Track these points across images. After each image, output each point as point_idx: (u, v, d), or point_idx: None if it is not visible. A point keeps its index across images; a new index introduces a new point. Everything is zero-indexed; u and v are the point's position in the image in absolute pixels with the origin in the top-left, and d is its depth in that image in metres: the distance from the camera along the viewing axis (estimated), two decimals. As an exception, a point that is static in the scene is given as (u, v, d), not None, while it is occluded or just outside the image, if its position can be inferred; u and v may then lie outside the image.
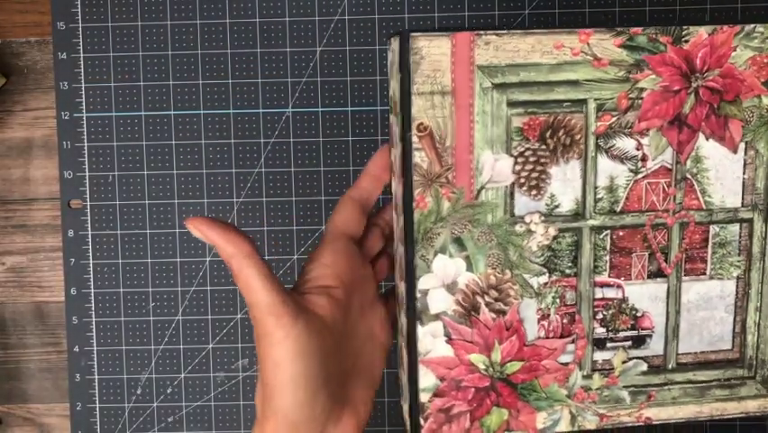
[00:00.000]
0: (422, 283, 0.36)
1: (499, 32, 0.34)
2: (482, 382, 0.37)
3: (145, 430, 0.56)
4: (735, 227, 0.37)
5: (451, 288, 0.36)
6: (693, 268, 0.38)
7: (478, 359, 0.37)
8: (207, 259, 0.55)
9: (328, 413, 0.35)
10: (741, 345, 0.38)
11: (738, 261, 0.38)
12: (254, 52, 0.55)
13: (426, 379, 0.37)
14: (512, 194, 0.36)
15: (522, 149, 0.35)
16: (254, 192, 0.55)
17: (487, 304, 0.36)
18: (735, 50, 0.36)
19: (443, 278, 0.36)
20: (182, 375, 0.56)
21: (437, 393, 0.37)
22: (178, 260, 0.55)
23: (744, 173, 0.37)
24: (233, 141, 0.55)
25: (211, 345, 0.55)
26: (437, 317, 0.36)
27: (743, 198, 0.37)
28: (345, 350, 0.37)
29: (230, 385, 0.56)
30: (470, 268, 0.36)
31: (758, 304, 0.38)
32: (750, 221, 0.37)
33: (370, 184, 0.39)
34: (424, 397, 0.37)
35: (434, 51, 0.34)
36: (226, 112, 0.55)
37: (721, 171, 0.37)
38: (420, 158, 0.35)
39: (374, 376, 0.39)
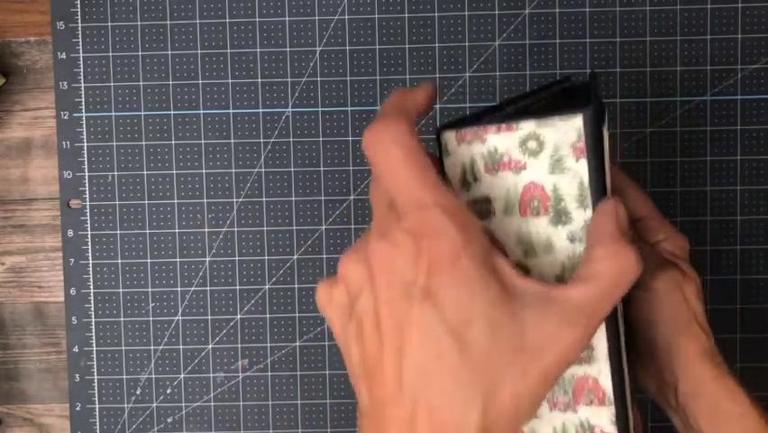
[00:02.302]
0: None
1: None
2: None
3: (145, 431, 0.56)
4: None
5: None
6: None
7: None
8: (207, 259, 0.55)
9: None
10: None
11: None
12: (254, 52, 0.54)
13: None
14: None
15: None
16: (254, 192, 0.55)
17: None
18: None
19: None
20: (182, 376, 0.55)
21: None
22: (178, 260, 0.55)
23: None
24: (232, 141, 0.55)
25: (211, 346, 0.55)
26: None
27: None
28: None
29: (230, 385, 0.55)
30: None
31: None
32: None
33: None
34: None
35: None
36: (226, 112, 0.55)
37: None
38: None
39: None
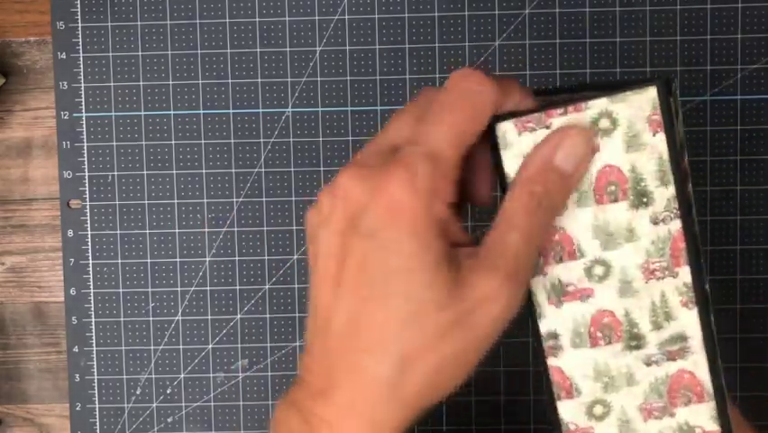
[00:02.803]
0: None
1: None
2: None
3: (145, 431, 0.56)
4: None
5: None
6: None
7: None
8: (207, 259, 0.55)
9: None
10: None
11: None
12: (254, 52, 0.54)
13: None
14: None
15: None
16: (254, 192, 0.55)
17: None
18: None
19: None
20: (182, 376, 0.56)
21: None
22: (178, 260, 0.55)
23: None
24: (232, 141, 0.55)
25: (211, 346, 0.55)
26: None
27: None
28: None
29: (230, 386, 0.55)
30: None
31: None
32: None
33: None
34: None
35: None
36: (226, 112, 0.55)
37: None
38: None
39: None
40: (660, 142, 0.31)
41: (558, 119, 0.32)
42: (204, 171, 0.55)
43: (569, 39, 0.54)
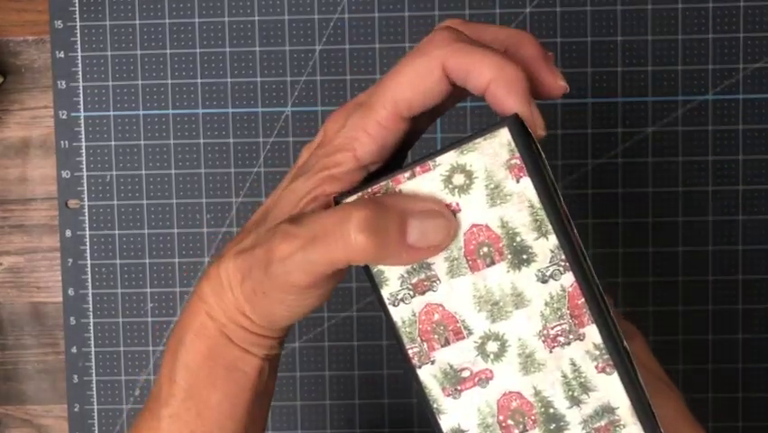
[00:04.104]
0: None
1: None
2: None
3: (143, 432, 0.55)
4: None
5: None
6: None
7: None
8: (206, 259, 0.55)
9: None
10: None
11: None
12: (253, 51, 0.54)
13: None
14: None
15: None
16: (253, 192, 0.55)
17: None
18: None
19: None
20: (181, 376, 0.55)
21: None
22: (177, 260, 0.55)
23: None
24: (231, 140, 0.55)
25: (210, 346, 0.55)
26: None
27: None
28: None
29: (229, 386, 0.55)
30: None
31: None
32: None
33: None
34: None
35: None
36: (225, 111, 0.55)
37: None
38: None
39: None
40: (527, 189, 0.28)
41: (406, 184, 0.29)
42: (203, 171, 0.55)
43: (570, 38, 0.53)
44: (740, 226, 0.53)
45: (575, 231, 0.28)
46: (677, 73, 0.53)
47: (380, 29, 0.54)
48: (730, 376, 0.53)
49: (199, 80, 0.54)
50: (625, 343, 0.28)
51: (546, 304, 0.28)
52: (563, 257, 0.28)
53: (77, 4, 0.54)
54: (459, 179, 0.28)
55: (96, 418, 0.55)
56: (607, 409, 0.28)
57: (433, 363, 0.29)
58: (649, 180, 0.54)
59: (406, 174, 0.29)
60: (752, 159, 0.53)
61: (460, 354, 0.29)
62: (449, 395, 0.29)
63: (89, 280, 0.55)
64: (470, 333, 0.29)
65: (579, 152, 0.54)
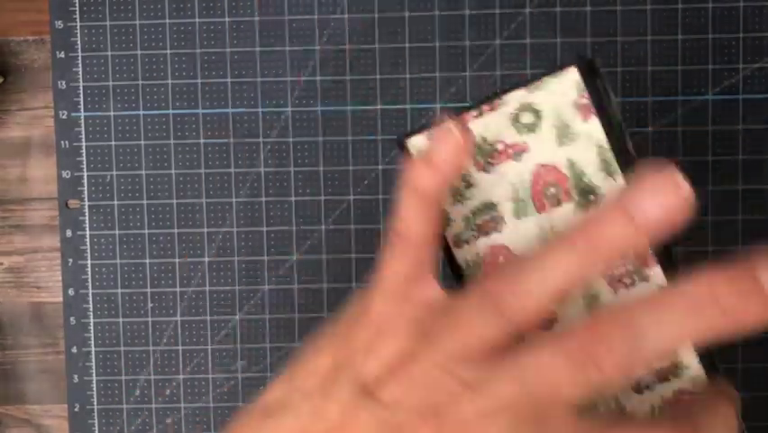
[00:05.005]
0: None
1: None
2: None
3: (144, 432, 0.55)
4: None
5: None
6: None
7: None
8: (206, 259, 0.55)
9: None
10: None
11: None
12: (253, 51, 0.54)
13: None
14: None
15: None
16: (253, 192, 0.55)
17: None
18: None
19: None
20: (181, 376, 0.55)
21: None
22: (177, 260, 0.55)
23: None
24: (231, 140, 0.55)
25: (210, 347, 0.55)
26: None
27: None
28: None
29: (229, 387, 0.55)
30: None
31: None
32: None
33: None
34: None
35: None
36: (225, 111, 0.55)
37: None
38: None
39: None
40: (595, 129, 0.27)
41: (474, 122, 0.28)
42: (203, 171, 0.55)
43: (570, 38, 0.53)
44: (740, 227, 0.53)
45: None
46: (677, 73, 0.53)
47: (380, 29, 0.54)
48: (730, 376, 0.53)
49: (199, 80, 0.55)
50: None
51: None
52: None
53: (77, 4, 0.54)
54: (527, 117, 0.27)
55: (96, 418, 0.55)
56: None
57: None
58: (649, 180, 0.53)
59: (474, 113, 0.28)
60: (752, 159, 0.53)
61: None
62: None
63: (89, 280, 0.55)
64: None
65: (579, 152, 0.54)
